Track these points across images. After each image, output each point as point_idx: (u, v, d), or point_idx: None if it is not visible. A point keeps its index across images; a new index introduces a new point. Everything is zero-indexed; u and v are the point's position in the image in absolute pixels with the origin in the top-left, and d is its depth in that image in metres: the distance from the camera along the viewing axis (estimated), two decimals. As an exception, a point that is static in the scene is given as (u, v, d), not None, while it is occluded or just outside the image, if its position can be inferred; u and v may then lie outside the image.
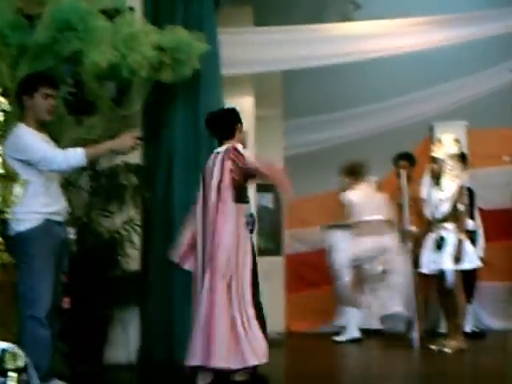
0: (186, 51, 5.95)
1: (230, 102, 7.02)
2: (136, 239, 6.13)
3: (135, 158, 6.25)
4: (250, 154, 7.21)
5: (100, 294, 5.72)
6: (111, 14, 5.71)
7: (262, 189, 7.63)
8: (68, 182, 5.93)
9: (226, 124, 5.19)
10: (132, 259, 6.11)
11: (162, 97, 6.22)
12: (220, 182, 4.88)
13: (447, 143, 6.90)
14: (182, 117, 6.33)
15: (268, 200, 8.10)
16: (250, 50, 7.00)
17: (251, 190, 7.24)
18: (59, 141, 5.45)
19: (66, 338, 5.12)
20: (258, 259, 7.22)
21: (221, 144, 5.12)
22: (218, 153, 5.01)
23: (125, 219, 6.11)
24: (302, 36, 7.26)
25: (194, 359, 4.69)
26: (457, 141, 6.98)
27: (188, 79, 6.13)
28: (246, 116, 7.30)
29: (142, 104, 6.18)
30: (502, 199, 8.12)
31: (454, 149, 6.88)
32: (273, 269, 8.00)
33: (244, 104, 7.36)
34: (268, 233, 8.00)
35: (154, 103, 6.22)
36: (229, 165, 4.88)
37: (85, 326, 5.56)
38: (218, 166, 4.92)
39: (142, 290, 6.10)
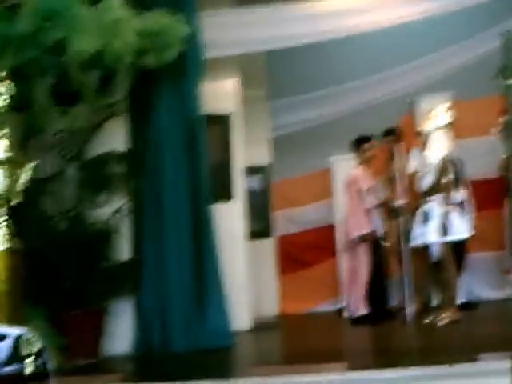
0: (169, 35, 5.88)
1: (215, 84, 7.01)
2: (126, 229, 6.10)
3: (122, 146, 6.22)
4: (236, 137, 7.32)
5: (93, 286, 5.71)
6: (92, 1, 5.63)
7: (249, 171, 7.61)
8: (55, 174, 5.91)
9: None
10: (123, 249, 6.09)
11: (148, 82, 6.16)
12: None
13: (440, 113, 6.89)
14: (168, 101, 6.29)
15: (256, 182, 8.07)
16: (232, 31, 6.90)
17: (239, 173, 7.29)
18: (45, 132, 5.45)
19: (62, 332, 5.11)
20: (248, 242, 7.33)
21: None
22: None
23: (114, 209, 6.08)
24: (282, 15, 7.16)
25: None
26: (442, 112, 6.97)
27: (172, 63, 6.07)
28: (231, 98, 7.31)
29: (127, 91, 6.14)
30: (488, 169, 8.10)
31: (446, 118, 6.88)
32: (264, 251, 8.01)
33: (228, 86, 7.32)
34: (257, 215, 7.96)
35: (139, 89, 6.15)
36: None
37: (80, 319, 5.55)
38: None
39: (135, 279, 6.08)
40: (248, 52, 7.21)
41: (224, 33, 6.83)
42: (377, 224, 7.57)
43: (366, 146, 7.64)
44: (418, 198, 7.07)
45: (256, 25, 7.00)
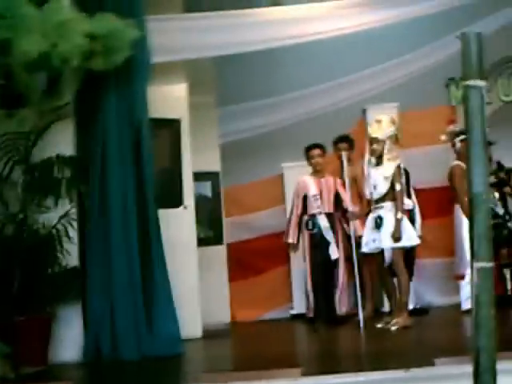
0: (118, 38, 5.79)
1: (164, 89, 6.94)
2: (73, 234, 5.98)
3: (68, 149, 6.10)
4: (185, 142, 7.24)
5: (41, 292, 5.57)
6: (39, 2, 5.51)
7: (199, 177, 7.53)
8: (1, 177, 5.77)
9: None
10: (71, 255, 5.97)
11: (95, 85, 6.06)
12: None
13: (385, 124, 6.97)
14: (115, 105, 6.20)
15: (206, 188, 8.00)
16: (181, 36, 6.86)
17: (189, 179, 7.21)
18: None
19: (8, 339, 4.97)
20: (199, 249, 7.24)
21: None
22: None
23: (61, 214, 5.94)
24: (233, 21, 7.16)
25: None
26: (393, 121, 7.05)
27: (120, 67, 5.99)
28: (179, 103, 7.24)
29: (74, 94, 6.02)
30: (436, 177, 8.20)
31: (391, 129, 6.96)
32: (215, 258, 7.92)
33: (177, 91, 7.24)
34: (208, 222, 7.90)
35: (86, 92, 6.05)
36: None
37: (27, 326, 5.39)
38: None
39: (82, 285, 5.95)
40: (197, 58, 7.17)
41: (174, 38, 6.78)
42: (322, 230, 7.57)
43: (315, 152, 7.67)
44: (369, 204, 7.10)
45: (206, 30, 6.97)
